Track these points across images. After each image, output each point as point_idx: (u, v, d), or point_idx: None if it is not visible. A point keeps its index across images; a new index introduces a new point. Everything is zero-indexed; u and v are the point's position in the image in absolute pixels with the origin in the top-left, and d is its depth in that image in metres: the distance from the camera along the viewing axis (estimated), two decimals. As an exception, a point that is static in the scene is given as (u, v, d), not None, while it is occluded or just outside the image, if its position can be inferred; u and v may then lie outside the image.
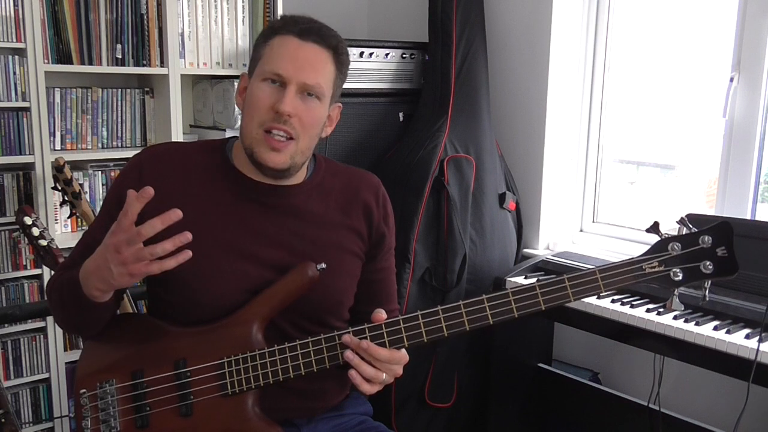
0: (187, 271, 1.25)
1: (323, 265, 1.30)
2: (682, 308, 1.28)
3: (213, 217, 1.32)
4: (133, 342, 1.32)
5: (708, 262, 1.21)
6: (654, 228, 1.25)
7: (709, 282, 1.25)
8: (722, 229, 1.21)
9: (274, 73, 1.27)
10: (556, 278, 1.23)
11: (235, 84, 2.58)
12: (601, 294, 1.23)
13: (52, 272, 2.14)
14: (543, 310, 1.22)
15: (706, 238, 1.21)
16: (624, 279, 1.23)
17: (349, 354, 1.22)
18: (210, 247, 1.29)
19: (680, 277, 1.23)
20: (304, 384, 1.32)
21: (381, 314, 1.25)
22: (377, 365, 1.22)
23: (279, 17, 1.36)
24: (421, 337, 1.24)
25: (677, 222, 1.26)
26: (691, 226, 1.24)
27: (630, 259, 1.24)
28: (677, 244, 1.23)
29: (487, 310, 1.23)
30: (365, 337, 1.23)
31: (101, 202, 2.51)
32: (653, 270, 1.23)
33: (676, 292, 1.26)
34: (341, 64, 1.33)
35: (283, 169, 1.30)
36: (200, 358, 1.27)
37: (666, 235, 1.24)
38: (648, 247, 1.24)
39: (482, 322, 1.23)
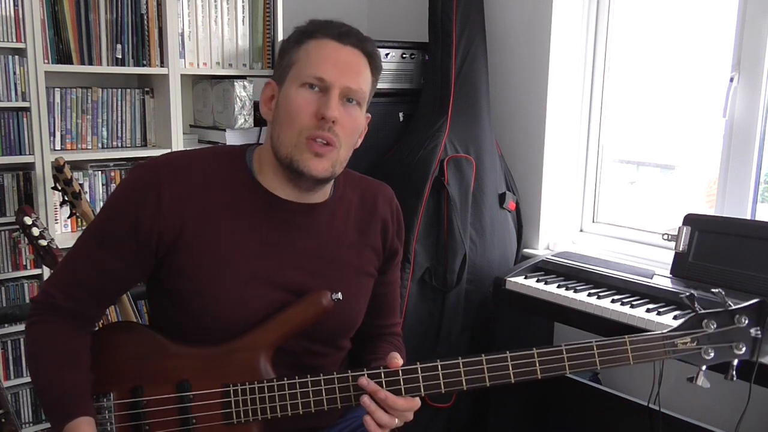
0: (208, 294, 1.22)
1: (339, 296, 1.26)
2: (708, 385, 1.23)
3: (237, 237, 1.25)
4: (132, 356, 1.26)
5: (741, 344, 1.18)
6: (690, 300, 1.21)
7: (737, 361, 1.21)
8: (760, 309, 1.18)
9: (315, 77, 1.20)
10: (584, 343, 1.19)
11: (236, 84, 2.58)
12: (631, 364, 1.20)
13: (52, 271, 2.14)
14: (567, 373, 1.19)
15: (743, 318, 1.18)
16: (655, 353, 1.20)
17: (366, 399, 1.19)
18: (234, 272, 1.24)
19: (711, 356, 1.20)
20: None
21: (397, 360, 1.21)
22: (392, 413, 1.20)
23: (306, 22, 1.27)
24: (438, 388, 1.20)
25: (715, 293, 1.21)
26: (727, 300, 1.20)
27: (663, 332, 1.20)
28: (713, 322, 1.19)
29: (510, 369, 1.20)
30: (380, 382, 1.20)
31: (101, 204, 2.51)
32: (685, 346, 1.20)
33: (704, 367, 1.22)
34: (376, 70, 1.29)
35: (324, 178, 1.24)
36: (204, 382, 1.23)
37: (701, 310, 1.20)
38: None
39: (504, 380, 1.20)
